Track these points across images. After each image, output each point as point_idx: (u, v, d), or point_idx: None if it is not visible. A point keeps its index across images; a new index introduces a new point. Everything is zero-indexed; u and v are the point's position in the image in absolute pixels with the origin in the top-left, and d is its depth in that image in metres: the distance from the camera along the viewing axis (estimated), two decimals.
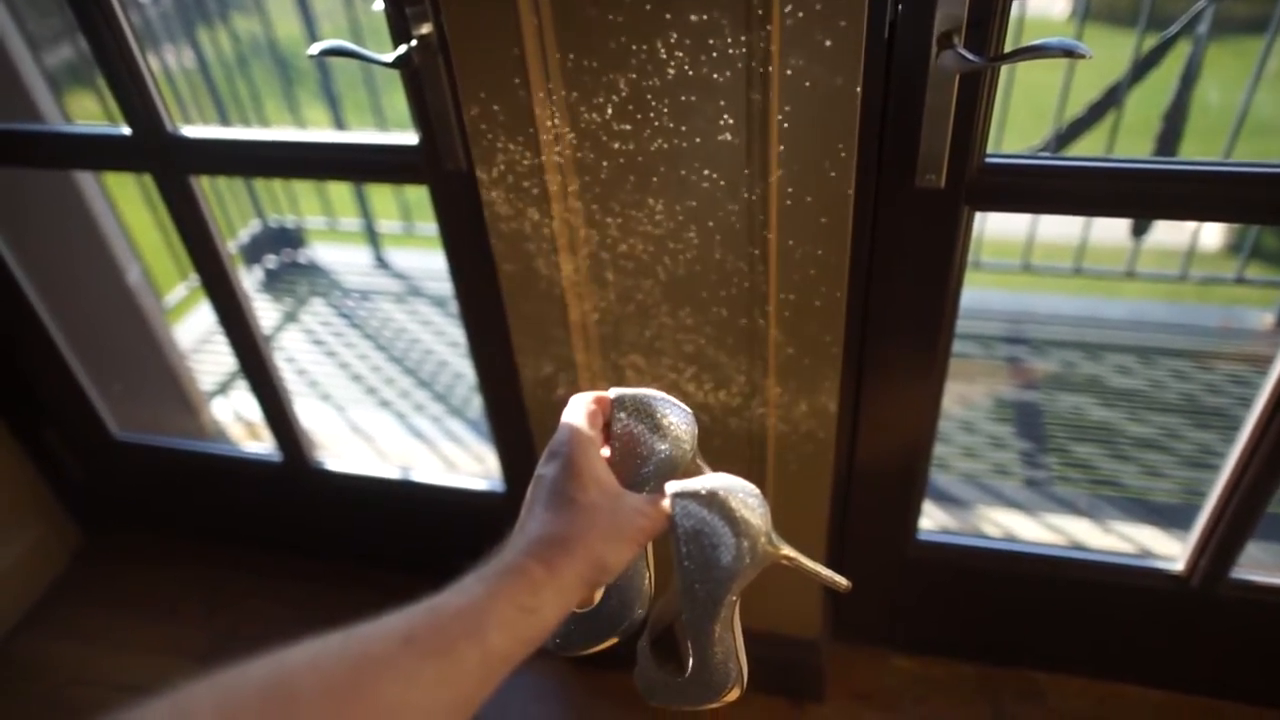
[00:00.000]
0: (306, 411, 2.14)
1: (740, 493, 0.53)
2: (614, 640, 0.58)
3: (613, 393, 0.57)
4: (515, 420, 1.34)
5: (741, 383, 1.09)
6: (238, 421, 2.24)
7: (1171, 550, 1.44)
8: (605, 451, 0.57)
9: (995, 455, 1.98)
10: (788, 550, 0.55)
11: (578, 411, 0.55)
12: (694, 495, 0.52)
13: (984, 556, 1.40)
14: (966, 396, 2.14)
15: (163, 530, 1.93)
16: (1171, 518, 1.76)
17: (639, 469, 0.56)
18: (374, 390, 2.36)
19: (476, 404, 2.26)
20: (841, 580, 0.58)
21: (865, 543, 1.40)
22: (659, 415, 0.57)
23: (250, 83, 2.90)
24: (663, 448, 0.57)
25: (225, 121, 2.90)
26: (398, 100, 3.19)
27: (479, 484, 1.59)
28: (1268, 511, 1.22)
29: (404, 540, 1.74)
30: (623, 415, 0.57)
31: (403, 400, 2.31)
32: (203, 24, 2.82)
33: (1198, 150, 2.99)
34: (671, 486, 0.53)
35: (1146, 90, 2.33)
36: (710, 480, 0.53)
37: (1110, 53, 2.56)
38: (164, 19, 2.88)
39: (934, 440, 1.26)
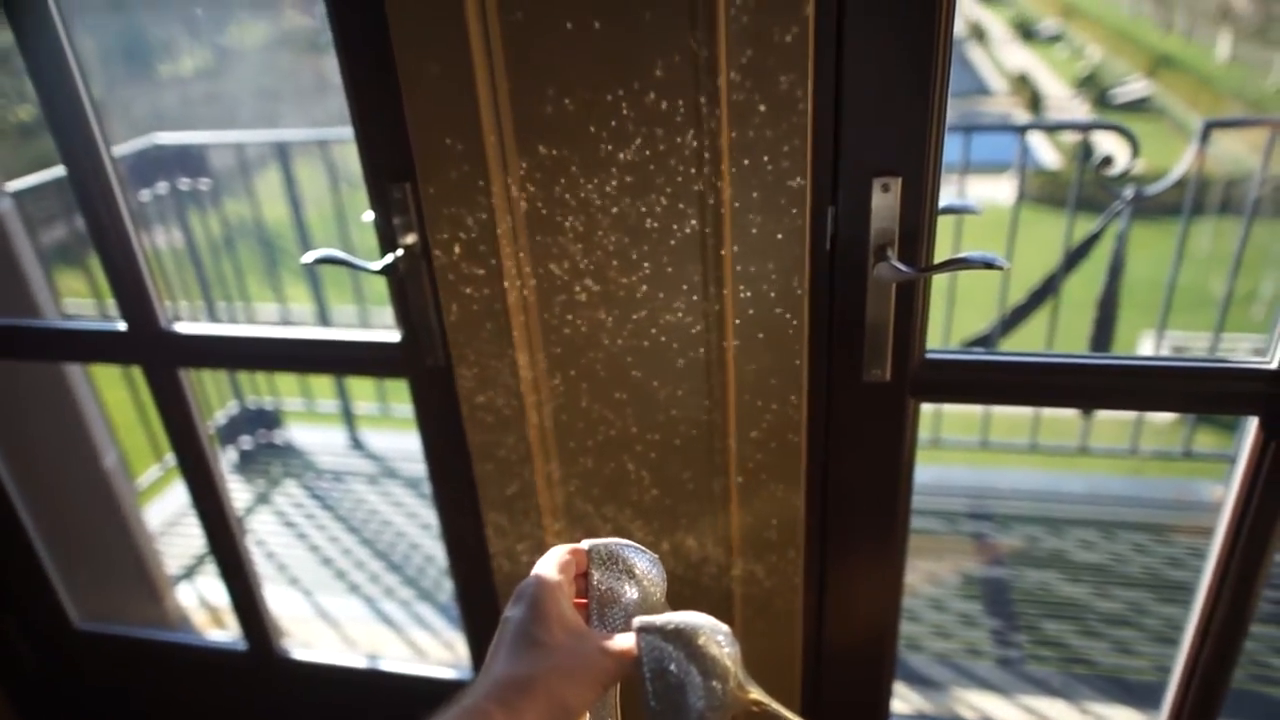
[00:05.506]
0: (274, 597, 2.11)
1: (709, 630, 0.51)
2: None
3: (586, 544, 0.59)
4: (486, 604, 1.34)
5: (699, 552, 1.12)
6: (202, 608, 2.19)
7: None
8: (581, 601, 0.58)
9: (966, 633, 1.98)
10: (757, 694, 0.52)
11: (549, 559, 0.56)
12: (660, 630, 0.50)
13: None
14: (934, 574, 2.16)
15: None
16: (1144, 695, 1.75)
17: (613, 617, 0.57)
18: (344, 574, 2.34)
19: (447, 587, 2.24)
20: None
21: None
22: (629, 561, 0.59)
23: (235, 260, 3.01)
24: (634, 594, 0.58)
25: (208, 297, 3.00)
26: (377, 281, 3.32)
27: (448, 673, 1.56)
28: (1234, 688, 1.23)
29: None
30: (597, 567, 0.58)
31: (372, 584, 2.29)
32: (194, 207, 2.95)
33: (1137, 320, 3.16)
34: (639, 621, 0.51)
35: (1083, 276, 2.51)
36: (678, 617, 0.51)
37: (1050, 231, 2.76)
38: (157, 201, 3.00)
39: (899, 619, 1.28)
